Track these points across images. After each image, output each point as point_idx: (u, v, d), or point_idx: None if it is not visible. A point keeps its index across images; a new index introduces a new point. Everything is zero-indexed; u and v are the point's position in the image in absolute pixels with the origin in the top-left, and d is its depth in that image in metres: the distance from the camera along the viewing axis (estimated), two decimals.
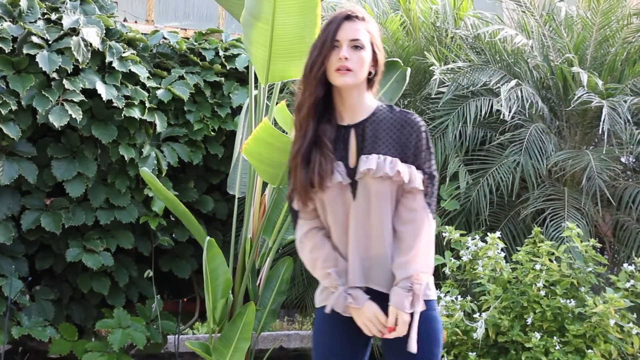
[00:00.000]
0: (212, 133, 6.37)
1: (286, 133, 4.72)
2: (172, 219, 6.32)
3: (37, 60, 5.59)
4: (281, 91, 6.10)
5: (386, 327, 2.84)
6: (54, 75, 5.68)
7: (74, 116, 5.64)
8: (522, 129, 5.68)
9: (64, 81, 5.71)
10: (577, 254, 4.79)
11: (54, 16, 5.89)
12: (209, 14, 8.57)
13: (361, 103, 2.93)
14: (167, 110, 6.26)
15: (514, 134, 5.69)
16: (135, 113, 5.94)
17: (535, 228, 4.92)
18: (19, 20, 5.77)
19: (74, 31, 5.79)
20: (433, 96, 5.88)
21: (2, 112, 5.52)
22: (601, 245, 5.66)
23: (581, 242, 4.77)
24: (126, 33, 6.26)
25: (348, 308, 2.89)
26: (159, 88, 6.21)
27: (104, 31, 5.96)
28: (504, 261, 4.80)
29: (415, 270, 2.81)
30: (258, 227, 5.39)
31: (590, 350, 4.46)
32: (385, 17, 6.46)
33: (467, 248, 4.91)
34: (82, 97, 5.73)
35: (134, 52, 6.22)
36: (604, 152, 5.48)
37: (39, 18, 5.86)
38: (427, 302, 2.87)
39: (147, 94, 6.08)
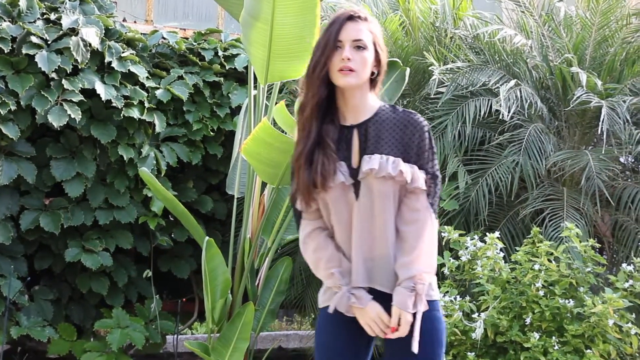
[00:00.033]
0: (211, 133, 6.37)
1: (285, 133, 4.73)
2: (171, 219, 6.32)
3: (36, 60, 5.59)
4: (280, 91, 6.10)
5: (389, 327, 2.84)
6: (53, 75, 5.68)
7: (73, 116, 5.64)
8: (521, 129, 5.69)
9: (63, 81, 5.71)
10: (576, 254, 4.79)
11: (53, 16, 5.89)
12: (208, 14, 8.57)
13: (364, 103, 2.93)
14: (166, 110, 6.26)
15: (513, 134, 5.69)
16: (135, 113, 5.94)
17: (534, 228, 4.92)
18: (18, 20, 5.76)
19: (73, 31, 5.79)
20: (432, 96, 5.88)
21: (1, 112, 5.51)
22: (600, 245, 5.66)
23: (580, 242, 4.77)
24: (125, 33, 6.25)
25: (351, 308, 2.89)
26: (158, 88, 6.21)
27: (103, 31, 5.96)
28: (503, 261, 4.80)
29: (418, 270, 2.81)
30: (257, 227, 5.39)
31: (589, 350, 4.46)
32: (385, 17, 6.46)
33: (466, 248, 4.91)
34: (81, 97, 5.73)
35: (133, 52, 6.22)
36: (603, 152, 5.48)
37: (38, 18, 5.86)
38: (430, 302, 2.87)
39: (146, 94, 6.08)
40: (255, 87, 5.45)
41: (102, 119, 5.93)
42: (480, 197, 5.56)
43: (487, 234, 4.88)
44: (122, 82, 5.99)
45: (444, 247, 5.04)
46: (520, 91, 5.57)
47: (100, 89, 5.80)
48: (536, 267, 4.63)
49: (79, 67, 5.82)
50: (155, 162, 6.09)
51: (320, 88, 2.87)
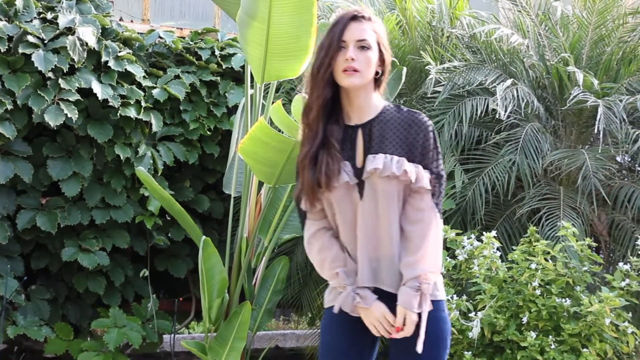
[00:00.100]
0: (208, 132, 6.36)
1: (282, 132, 4.73)
2: (168, 218, 6.32)
3: (32, 59, 5.59)
4: (277, 90, 6.10)
5: (394, 327, 2.84)
6: (50, 74, 5.67)
7: (69, 115, 5.64)
8: (517, 128, 5.69)
9: (60, 80, 5.70)
10: (573, 253, 4.80)
11: (49, 15, 5.88)
12: (204, 13, 8.57)
13: (368, 103, 2.94)
14: (163, 109, 6.26)
15: (510, 134, 5.69)
16: (131, 112, 5.93)
17: (531, 227, 4.93)
18: (14, 20, 5.76)
19: (70, 30, 5.79)
20: (429, 95, 5.88)
21: None
22: (597, 244, 5.67)
23: (577, 241, 4.78)
24: (122, 32, 6.25)
25: (356, 308, 2.89)
26: (154, 87, 6.21)
27: (100, 30, 5.96)
28: (500, 260, 4.81)
29: (423, 270, 2.81)
30: (254, 227, 5.39)
31: (585, 349, 4.46)
32: (381, 16, 6.45)
33: (463, 247, 4.91)
34: (77, 97, 5.73)
35: (130, 51, 6.21)
36: (599, 151, 5.48)
37: (35, 17, 5.85)
38: (435, 302, 2.87)
39: (143, 94, 6.08)
40: (252, 87, 5.45)
41: (99, 119, 5.93)
42: (477, 196, 5.57)
43: (484, 233, 4.88)
44: (119, 82, 5.99)
45: None
46: (517, 90, 5.57)
47: (96, 88, 5.80)
48: (533, 266, 4.63)
49: (76, 66, 5.81)
50: (152, 161, 6.08)
51: (325, 89, 2.87)
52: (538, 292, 4.58)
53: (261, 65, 4.96)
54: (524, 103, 5.56)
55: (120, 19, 7.29)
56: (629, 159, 6.08)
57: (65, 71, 5.72)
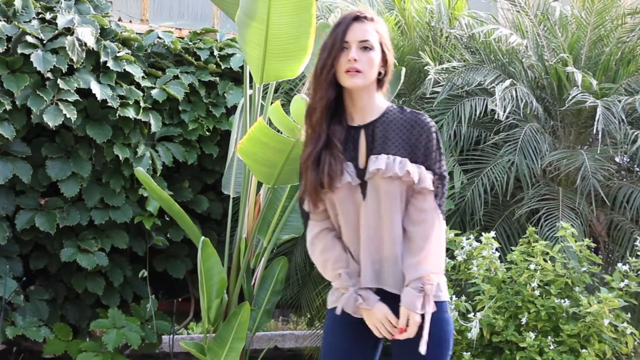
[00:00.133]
0: (207, 133, 6.36)
1: (281, 133, 4.73)
2: (167, 218, 6.32)
3: (31, 59, 5.59)
4: (276, 91, 6.10)
5: (396, 328, 2.84)
6: (49, 74, 5.67)
7: (68, 116, 5.63)
8: (516, 129, 5.69)
9: (59, 81, 5.70)
10: (572, 253, 4.80)
11: (48, 16, 5.88)
12: (203, 14, 8.57)
13: (371, 104, 2.94)
14: (162, 110, 6.26)
15: (509, 134, 5.69)
16: (130, 113, 5.93)
17: (530, 228, 4.93)
18: (13, 20, 5.76)
19: (69, 31, 5.79)
20: (428, 96, 5.88)
21: None
22: (595, 245, 5.67)
23: (575, 241, 4.78)
24: (121, 33, 6.25)
25: (358, 309, 2.89)
26: (153, 88, 6.21)
27: (99, 31, 5.96)
28: (499, 261, 4.80)
29: (426, 271, 2.81)
30: (253, 227, 5.39)
31: (584, 350, 4.46)
32: (380, 16, 6.44)
33: (462, 248, 4.91)
34: (76, 97, 5.73)
35: (129, 51, 6.22)
36: (598, 151, 5.49)
37: (34, 17, 5.85)
38: (438, 304, 2.87)
39: (141, 94, 6.08)
40: (250, 87, 5.45)
41: (98, 119, 5.93)
42: (475, 197, 5.57)
43: (483, 233, 4.88)
44: (118, 82, 5.99)
45: None
46: (516, 91, 5.57)
47: (95, 88, 5.79)
48: (532, 266, 4.63)
49: (75, 66, 5.81)
50: (150, 161, 6.08)
51: (329, 90, 2.88)
52: (537, 292, 4.58)
53: (260, 65, 4.96)
54: (523, 103, 5.56)
55: (119, 19, 7.30)
56: (628, 160, 6.08)
57: (64, 71, 5.72)
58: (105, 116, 5.92)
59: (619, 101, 5.51)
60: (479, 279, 4.73)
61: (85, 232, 6.00)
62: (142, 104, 6.04)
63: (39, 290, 6.05)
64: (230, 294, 5.36)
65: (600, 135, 5.39)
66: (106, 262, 5.95)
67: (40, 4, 5.99)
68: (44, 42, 5.73)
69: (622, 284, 4.64)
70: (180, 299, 6.88)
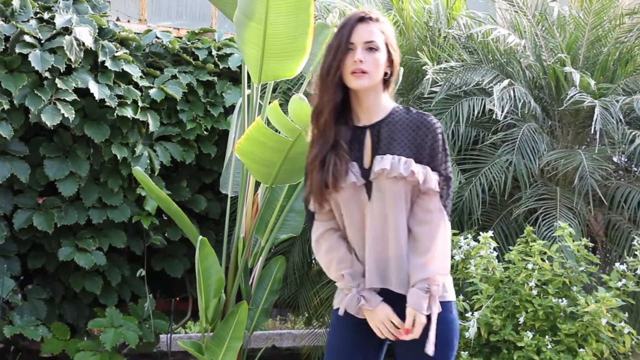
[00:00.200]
0: (205, 132, 6.36)
1: (279, 132, 4.73)
2: (165, 218, 6.32)
3: (29, 59, 5.58)
4: (274, 90, 6.10)
5: (399, 329, 2.84)
6: (47, 74, 5.67)
7: (66, 115, 5.63)
8: (514, 129, 5.69)
9: (57, 80, 5.70)
10: (569, 253, 4.80)
11: (46, 15, 5.88)
12: (201, 14, 8.57)
13: (378, 104, 2.94)
14: (160, 109, 6.25)
15: (507, 134, 5.69)
16: (128, 112, 5.93)
17: (528, 227, 4.93)
18: (11, 20, 5.76)
19: (67, 30, 5.79)
20: (426, 96, 5.88)
21: None
22: (593, 244, 5.67)
23: (573, 241, 4.78)
24: (119, 32, 6.25)
25: (361, 310, 2.89)
26: (151, 87, 6.21)
27: (97, 30, 5.96)
28: (496, 260, 4.81)
29: (432, 272, 2.81)
30: (250, 227, 5.39)
31: (582, 350, 4.46)
32: None
33: (460, 247, 4.91)
34: (74, 97, 5.73)
35: (127, 51, 6.21)
36: (596, 151, 5.49)
37: (32, 17, 5.85)
38: (444, 304, 2.87)
39: (139, 93, 6.08)
40: (248, 87, 5.45)
41: (96, 118, 5.93)
42: (473, 197, 5.57)
43: (481, 233, 4.89)
44: (116, 82, 5.99)
45: None
46: (514, 91, 5.57)
47: (93, 88, 5.79)
48: (529, 266, 4.63)
49: (73, 66, 5.81)
50: (148, 161, 6.08)
51: (336, 92, 2.88)
52: (535, 292, 4.58)
53: (258, 65, 4.97)
54: (521, 103, 5.56)
55: (117, 19, 7.29)
56: (626, 160, 6.08)
57: (62, 71, 5.71)
58: (103, 116, 5.92)
59: (617, 101, 5.51)
60: (477, 279, 4.74)
61: (83, 231, 6.00)
62: (140, 104, 6.03)
63: (37, 290, 6.04)
64: (228, 294, 5.37)
65: (598, 135, 5.40)
66: (104, 262, 5.94)
67: (38, 4, 5.99)
68: (42, 41, 5.73)
69: (619, 284, 4.65)
70: (178, 298, 6.88)
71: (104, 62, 5.93)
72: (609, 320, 4.48)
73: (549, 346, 4.44)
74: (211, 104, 6.43)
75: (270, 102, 4.94)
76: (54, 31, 5.77)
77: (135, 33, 6.45)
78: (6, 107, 5.56)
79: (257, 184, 5.45)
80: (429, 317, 2.81)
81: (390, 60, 2.93)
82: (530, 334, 4.46)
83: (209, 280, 5.08)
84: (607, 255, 5.94)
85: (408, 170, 2.82)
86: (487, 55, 6.11)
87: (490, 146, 5.80)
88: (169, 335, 6.37)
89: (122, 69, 6.00)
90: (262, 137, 4.65)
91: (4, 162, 5.68)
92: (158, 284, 6.62)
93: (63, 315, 6.19)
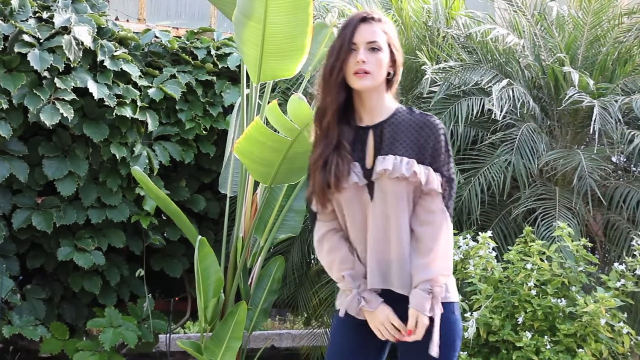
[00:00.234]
0: (204, 132, 6.36)
1: (278, 132, 4.73)
2: (164, 218, 6.31)
3: (28, 58, 5.58)
4: (273, 90, 6.10)
5: (399, 331, 2.84)
6: (46, 73, 5.67)
7: (65, 115, 5.63)
8: (513, 129, 5.69)
9: (56, 80, 5.70)
10: (568, 253, 4.80)
11: (45, 15, 5.87)
12: (200, 13, 8.57)
13: (381, 104, 2.94)
14: (159, 109, 6.25)
15: (506, 134, 5.69)
16: (127, 112, 5.93)
17: (527, 227, 4.93)
18: (10, 19, 5.75)
19: (66, 30, 5.78)
20: (425, 96, 5.88)
21: None
22: (592, 244, 5.67)
23: (572, 241, 4.77)
24: (118, 32, 6.25)
25: (361, 311, 2.89)
26: (150, 87, 6.20)
27: (96, 30, 5.95)
28: (495, 260, 4.81)
29: (435, 273, 2.81)
30: (249, 226, 5.39)
31: (581, 350, 4.46)
32: None
33: (459, 247, 4.91)
34: (73, 96, 5.72)
35: (126, 50, 6.21)
36: (595, 151, 5.48)
37: (31, 16, 5.84)
38: (447, 305, 2.87)
39: (138, 93, 6.07)
40: (247, 86, 5.45)
41: (95, 118, 5.92)
42: (472, 197, 5.57)
43: (480, 233, 4.89)
44: (115, 81, 5.98)
45: None
46: (513, 90, 5.57)
47: (92, 87, 5.79)
48: (528, 266, 4.63)
49: (72, 65, 5.81)
50: (147, 160, 6.08)
51: (339, 93, 2.87)
52: (533, 292, 4.58)
53: (257, 64, 4.96)
54: (520, 103, 5.56)
55: (116, 19, 7.29)
56: (625, 160, 6.08)
57: (60, 70, 5.71)
58: (102, 115, 5.92)
59: (616, 101, 5.51)
60: (476, 279, 4.74)
61: (82, 231, 6.00)
62: (139, 103, 6.03)
63: (36, 289, 6.04)
64: (227, 293, 5.37)
65: (597, 135, 5.39)
66: (103, 261, 5.94)
67: (37, 3, 5.98)
68: (41, 41, 5.72)
69: (618, 284, 4.65)
70: (177, 298, 6.88)
71: (102, 61, 5.92)
72: (607, 320, 4.48)
73: (548, 346, 4.44)
74: (210, 103, 6.43)
75: (269, 102, 4.93)
76: (53, 30, 5.76)
77: (134, 32, 6.45)
78: (5, 106, 5.56)
79: (256, 184, 5.44)
80: (431, 318, 2.81)
81: (393, 61, 2.93)
82: (529, 334, 4.46)
83: (208, 280, 5.08)
84: (606, 255, 5.94)
85: (410, 170, 2.82)
86: (486, 55, 6.11)
87: (489, 146, 5.80)
88: (168, 335, 6.37)
89: (121, 69, 6.00)
90: (261, 136, 4.65)
91: (2, 162, 5.67)
92: (157, 283, 6.62)
93: (62, 315, 6.19)
